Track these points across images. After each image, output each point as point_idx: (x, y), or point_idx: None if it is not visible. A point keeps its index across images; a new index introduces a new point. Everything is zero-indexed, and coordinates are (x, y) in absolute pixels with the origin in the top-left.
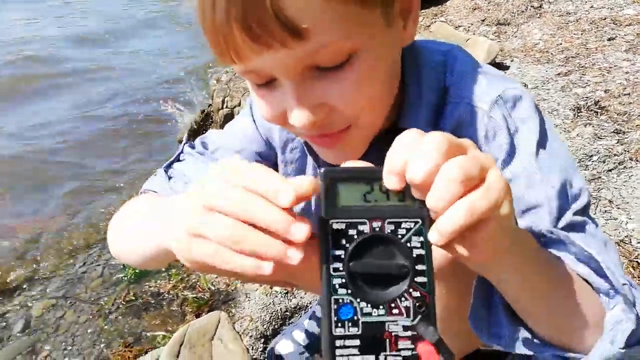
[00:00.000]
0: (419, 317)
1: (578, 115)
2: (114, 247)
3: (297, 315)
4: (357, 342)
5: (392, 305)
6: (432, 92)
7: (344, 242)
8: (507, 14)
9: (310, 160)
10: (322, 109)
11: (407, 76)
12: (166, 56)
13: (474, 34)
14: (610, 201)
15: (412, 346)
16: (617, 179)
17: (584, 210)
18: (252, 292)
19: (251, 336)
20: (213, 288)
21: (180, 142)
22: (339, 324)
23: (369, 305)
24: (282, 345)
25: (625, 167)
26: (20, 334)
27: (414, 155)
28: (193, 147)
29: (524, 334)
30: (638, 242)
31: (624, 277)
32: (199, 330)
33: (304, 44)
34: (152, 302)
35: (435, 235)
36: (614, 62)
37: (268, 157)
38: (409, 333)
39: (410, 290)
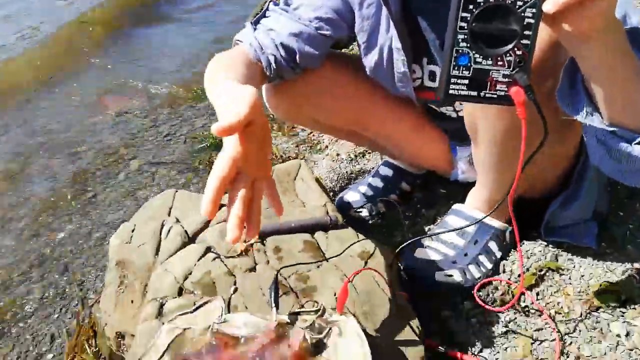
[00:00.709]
0: (517, 69)
1: None
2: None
3: (360, 177)
4: (466, 81)
5: (499, 59)
6: None
7: (471, 7)
8: None
9: (384, 12)
10: None
11: None
12: None
13: None
14: None
15: (506, 89)
16: None
17: None
18: (320, 160)
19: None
20: (285, 155)
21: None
22: (456, 68)
23: (481, 57)
24: (350, 195)
25: None
26: (125, 181)
27: None
28: (277, 5)
29: (596, 113)
30: None
31: None
32: (284, 171)
33: None
34: None
35: (549, 5)
36: None
37: (343, 15)
38: (505, 80)
39: (515, 49)
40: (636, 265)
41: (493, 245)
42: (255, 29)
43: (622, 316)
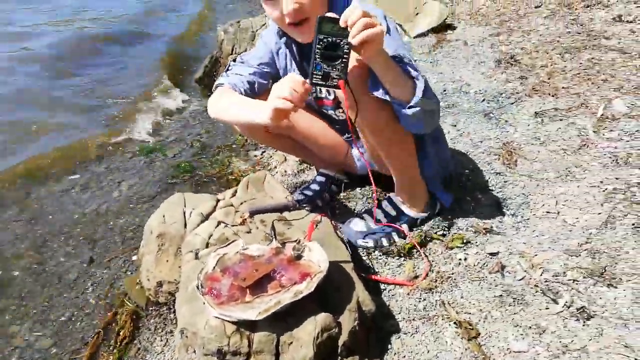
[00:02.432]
0: (341, 71)
1: (498, 66)
2: (214, 114)
3: (302, 185)
4: (320, 77)
5: (333, 67)
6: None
7: (321, 43)
8: None
9: (289, 56)
10: (297, 4)
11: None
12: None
13: None
14: (506, 121)
15: (337, 81)
16: (515, 108)
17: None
18: (275, 175)
19: None
20: (245, 174)
21: (197, 80)
22: (315, 71)
23: (326, 66)
24: (296, 196)
25: (521, 100)
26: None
27: (351, 13)
28: (234, 61)
29: (385, 93)
30: (516, 143)
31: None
32: (256, 178)
33: None
34: (207, 181)
35: (354, 40)
36: (535, 27)
37: (272, 59)
38: (336, 76)
39: (342, 62)
40: (473, 219)
41: (405, 227)
42: (227, 76)
43: (464, 250)
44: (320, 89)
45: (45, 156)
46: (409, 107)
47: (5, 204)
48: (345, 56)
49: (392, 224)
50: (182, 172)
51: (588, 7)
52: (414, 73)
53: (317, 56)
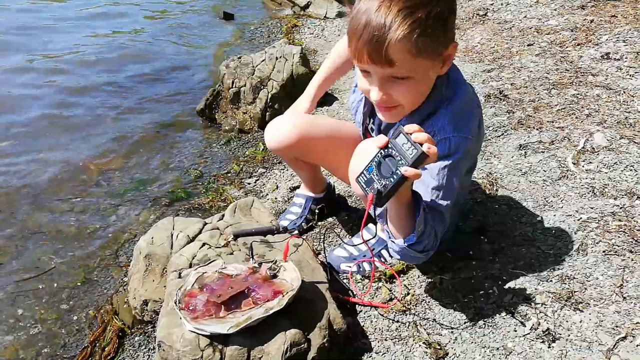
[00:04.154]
0: (384, 189)
1: (487, 101)
2: None
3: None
4: (365, 178)
5: (382, 177)
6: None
7: (384, 151)
8: (458, 20)
9: (363, 110)
10: (386, 96)
11: (432, 91)
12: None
13: None
14: (491, 153)
15: (371, 191)
16: (500, 141)
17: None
18: (266, 202)
19: None
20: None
21: (197, 111)
22: (364, 171)
23: (376, 173)
24: (282, 222)
25: (507, 133)
26: (117, 220)
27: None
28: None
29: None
30: (499, 174)
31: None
32: (243, 203)
33: (391, 69)
34: (199, 208)
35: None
36: (525, 64)
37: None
38: (377, 188)
39: (389, 181)
40: (451, 246)
41: (384, 252)
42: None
43: (440, 274)
44: (372, 123)
45: (46, 177)
46: (391, 241)
47: (8, 222)
48: (393, 177)
49: (374, 251)
50: (177, 199)
51: (579, 45)
52: (418, 225)
53: (374, 160)
